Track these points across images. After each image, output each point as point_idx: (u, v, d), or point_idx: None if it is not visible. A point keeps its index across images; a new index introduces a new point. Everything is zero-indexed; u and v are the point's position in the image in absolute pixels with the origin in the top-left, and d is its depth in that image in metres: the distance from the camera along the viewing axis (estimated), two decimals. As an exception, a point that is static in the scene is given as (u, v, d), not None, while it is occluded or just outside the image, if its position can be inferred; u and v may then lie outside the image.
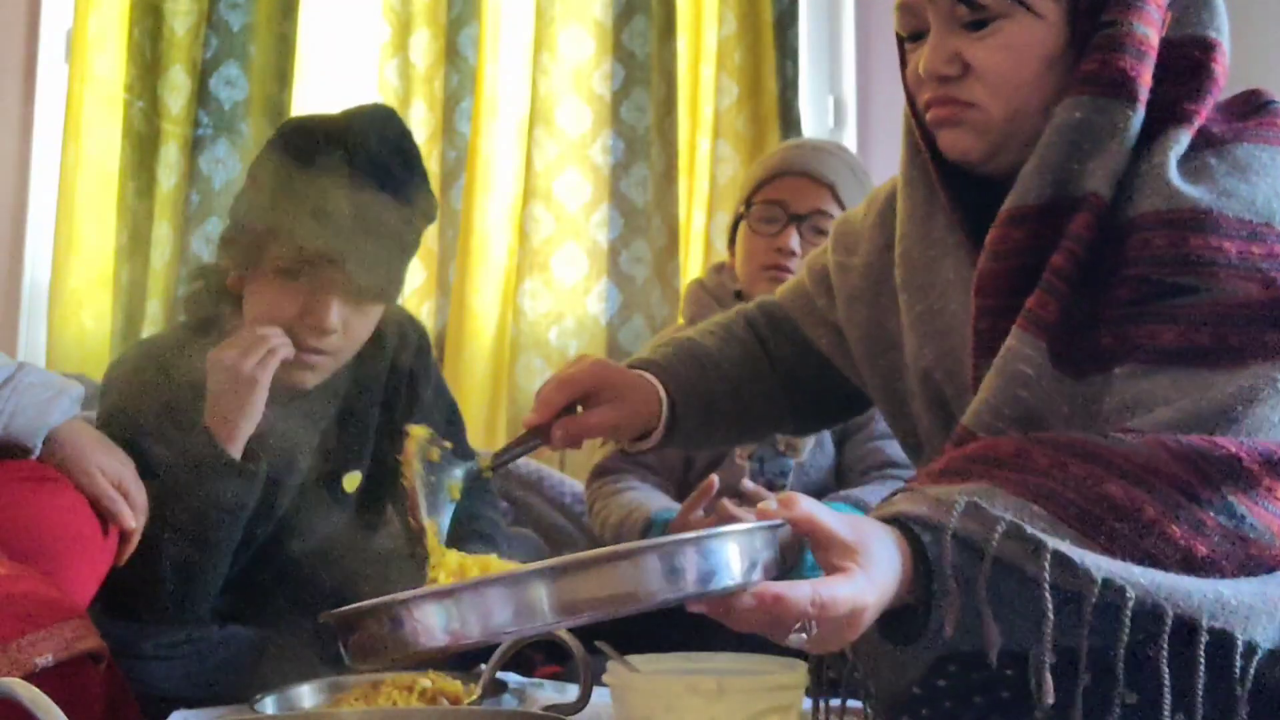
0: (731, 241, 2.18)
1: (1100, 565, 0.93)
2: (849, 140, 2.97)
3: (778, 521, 0.89)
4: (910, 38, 1.20)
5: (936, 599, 0.93)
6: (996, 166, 1.17)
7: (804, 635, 0.88)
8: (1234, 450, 0.96)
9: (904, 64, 1.23)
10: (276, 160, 1.71)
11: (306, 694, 1.53)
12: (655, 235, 2.82)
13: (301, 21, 2.87)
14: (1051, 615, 0.91)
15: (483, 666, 1.46)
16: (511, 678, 1.63)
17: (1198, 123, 1.11)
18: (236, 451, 1.68)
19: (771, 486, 1.98)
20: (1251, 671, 0.94)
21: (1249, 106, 1.16)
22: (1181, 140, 1.09)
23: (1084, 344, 1.06)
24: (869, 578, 0.89)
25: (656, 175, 2.83)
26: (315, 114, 1.82)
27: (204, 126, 2.79)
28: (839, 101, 3.00)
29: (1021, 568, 0.92)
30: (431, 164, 2.80)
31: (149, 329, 2.77)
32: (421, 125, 2.87)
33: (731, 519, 1.83)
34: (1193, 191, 1.06)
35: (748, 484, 1.90)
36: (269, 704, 1.48)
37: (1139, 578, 0.93)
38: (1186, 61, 1.12)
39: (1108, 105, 1.09)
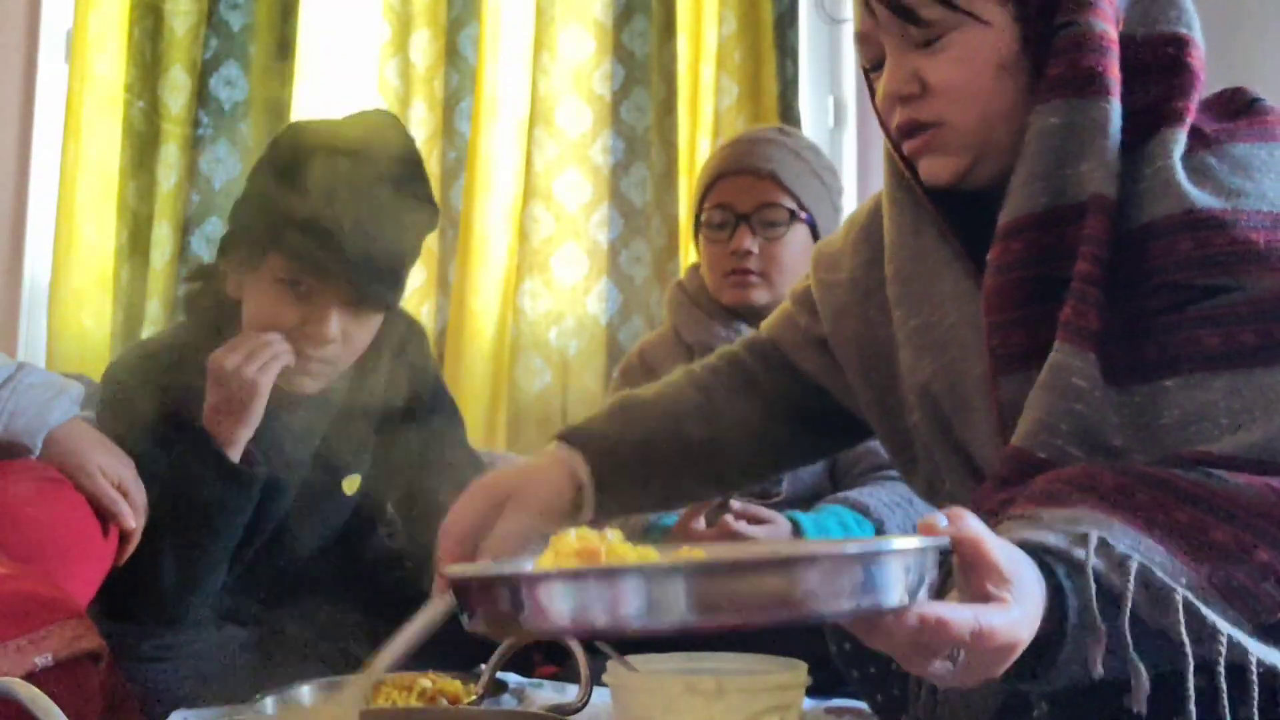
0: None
1: (1220, 622, 0.90)
2: (849, 140, 2.96)
3: (945, 540, 0.81)
4: (873, 68, 1.20)
5: (1073, 637, 0.88)
6: (979, 179, 1.17)
7: (950, 665, 0.82)
8: None
9: (873, 94, 1.23)
10: (278, 166, 1.71)
11: (306, 694, 1.53)
12: (655, 235, 2.82)
13: (301, 21, 2.87)
14: (1192, 660, 0.88)
15: (482, 667, 1.47)
16: (511, 678, 1.63)
17: (1189, 119, 1.10)
18: (235, 455, 1.68)
19: (766, 491, 1.97)
20: None
21: (1236, 105, 1.15)
22: (1180, 139, 1.09)
23: (1124, 356, 1.04)
24: (1024, 611, 0.83)
25: (656, 175, 2.83)
26: (317, 120, 1.81)
27: (204, 126, 2.79)
28: (839, 101, 3.00)
29: (1149, 614, 0.89)
30: (431, 164, 2.80)
31: (149, 329, 2.77)
32: (421, 125, 2.87)
33: (733, 534, 1.82)
34: (1202, 192, 1.05)
35: (736, 504, 1.85)
36: (269, 704, 1.48)
37: (1248, 640, 0.90)
38: (1162, 59, 1.11)
39: (1084, 105, 1.08)
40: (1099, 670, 0.87)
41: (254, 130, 2.83)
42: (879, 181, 1.35)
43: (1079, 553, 0.89)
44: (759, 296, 2.08)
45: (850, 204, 2.39)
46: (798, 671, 1.11)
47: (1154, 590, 0.89)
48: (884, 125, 1.23)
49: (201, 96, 2.80)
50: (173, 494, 1.64)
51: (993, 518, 0.97)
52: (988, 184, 1.16)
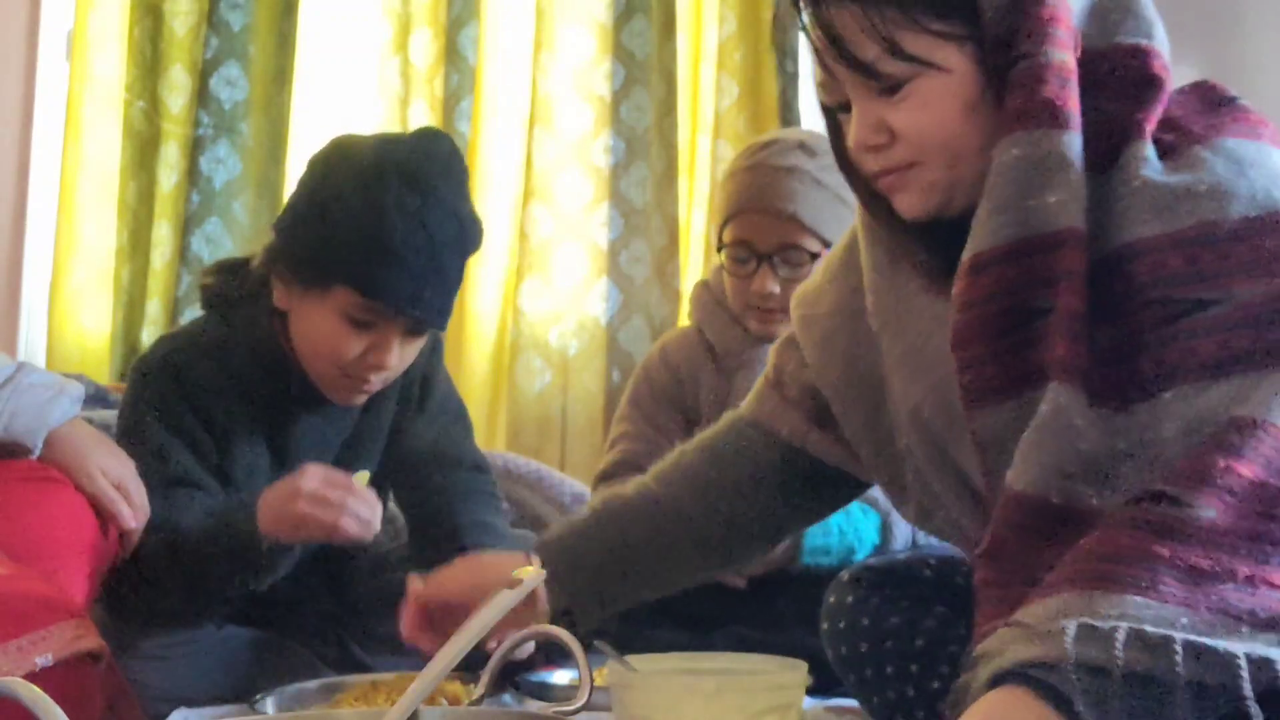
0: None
1: (1234, 645, 0.88)
2: (849, 140, 2.96)
3: None
4: (839, 109, 1.20)
5: None
6: (956, 210, 1.16)
7: None
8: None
9: (831, 131, 1.23)
10: (344, 191, 1.67)
11: (306, 694, 1.54)
12: (655, 235, 2.82)
13: (301, 21, 2.88)
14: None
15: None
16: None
17: (1150, 130, 1.09)
18: (273, 538, 1.63)
19: None
20: None
21: (1211, 101, 1.15)
22: (1147, 154, 1.08)
23: (1119, 376, 1.04)
24: None
25: (656, 175, 2.83)
26: (370, 138, 1.76)
27: (204, 126, 2.79)
28: (839, 101, 3.00)
29: (1151, 672, 0.86)
30: (431, 164, 2.80)
31: (149, 329, 2.77)
32: (421, 125, 2.87)
33: None
34: (1187, 198, 1.04)
35: None
36: (269, 704, 1.48)
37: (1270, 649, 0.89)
38: (1123, 71, 1.11)
39: (1043, 137, 1.07)
40: None
41: (254, 130, 2.84)
42: None
43: (1058, 654, 0.87)
44: (782, 330, 2.06)
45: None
46: (798, 671, 1.11)
47: (1148, 645, 0.87)
48: (846, 166, 1.23)
49: (201, 96, 2.80)
50: (198, 539, 1.63)
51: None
52: (963, 214, 1.15)
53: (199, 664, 1.71)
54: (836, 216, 2.03)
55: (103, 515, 1.49)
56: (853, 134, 1.16)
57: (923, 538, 1.90)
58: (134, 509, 1.52)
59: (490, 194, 2.83)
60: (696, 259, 2.86)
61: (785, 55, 2.84)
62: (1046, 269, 1.06)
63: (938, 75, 1.11)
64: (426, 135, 1.78)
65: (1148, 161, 1.07)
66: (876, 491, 1.91)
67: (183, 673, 1.68)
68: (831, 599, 1.49)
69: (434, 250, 1.66)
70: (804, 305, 1.38)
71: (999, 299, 1.07)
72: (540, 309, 2.81)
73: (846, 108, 1.18)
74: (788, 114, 2.80)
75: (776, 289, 1.99)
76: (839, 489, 1.42)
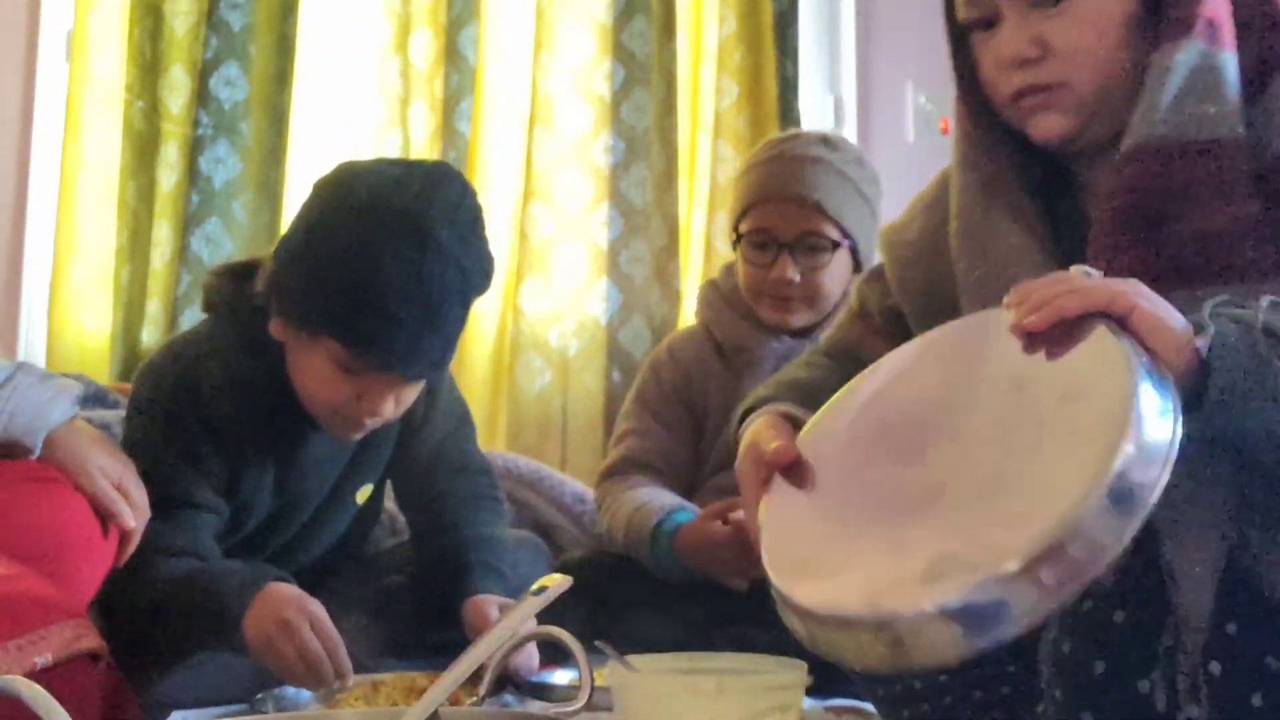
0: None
1: None
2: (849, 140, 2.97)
3: None
4: (979, 24, 1.19)
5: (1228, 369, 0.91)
6: (1088, 139, 1.17)
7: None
8: None
9: (956, 52, 1.23)
10: (337, 237, 1.58)
11: (307, 694, 1.53)
12: (655, 235, 2.82)
13: (301, 21, 2.87)
14: None
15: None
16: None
17: None
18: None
19: None
20: None
21: None
22: None
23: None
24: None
25: (656, 175, 2.83)
26: (376, 178, 1.62)
27: (204, 126, 2.79)
28: (839, 101, 3.01)
29: None
30: (431, 164, 2.80)
31: (149, 329, 2.77)
32: (421, 125, 2.87)
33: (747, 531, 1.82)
34: None
35: None
36: (269, 704, 1.48)
37: None
38: (1263, 15, 1.12)
39: (1205, 51, 1.09)
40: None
41: (254, 130, 2.84)
42: (877, 170, 1.34)
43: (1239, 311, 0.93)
44: (798, 320, 2.07)
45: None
46: (798, 671, 1.11)
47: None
48: (964, 86, 1.22)
49: (201, 96, 2.80)
50: (181, 592, 1.60)
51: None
52: (1092, 144, 1.16)
53: (199, 664, 1.70)
54: (857, 210, 2.05)
55: (103, 515, 1.49)
56: (1003, 47, 1.16)
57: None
58: (134, 509, 1.52)
59: (490, 194, 2.82)
60: (696, 259, 2.86)
61: (785, 55, 2.84)
62: (1190, 175, 1.07)
63: None
64: (433, 176, 1.64)
65: None
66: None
67: (182, 673, 1.68)
68: None
69: (431, 305, 1.56)
70: (890, 234, 1.38)
71: (1140, 194, 1.09)
72: (540, 309, 2.81)
73: (987, 24, 1.17)
74: (788, 114, 2.80)
75: (796, 277, 2.01)
76: None
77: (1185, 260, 1.06)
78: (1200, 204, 1.07)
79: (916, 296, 1.32)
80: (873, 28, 2.96)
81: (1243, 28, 1.11)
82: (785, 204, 2.02)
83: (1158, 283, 1.04)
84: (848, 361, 1.39)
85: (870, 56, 2.97)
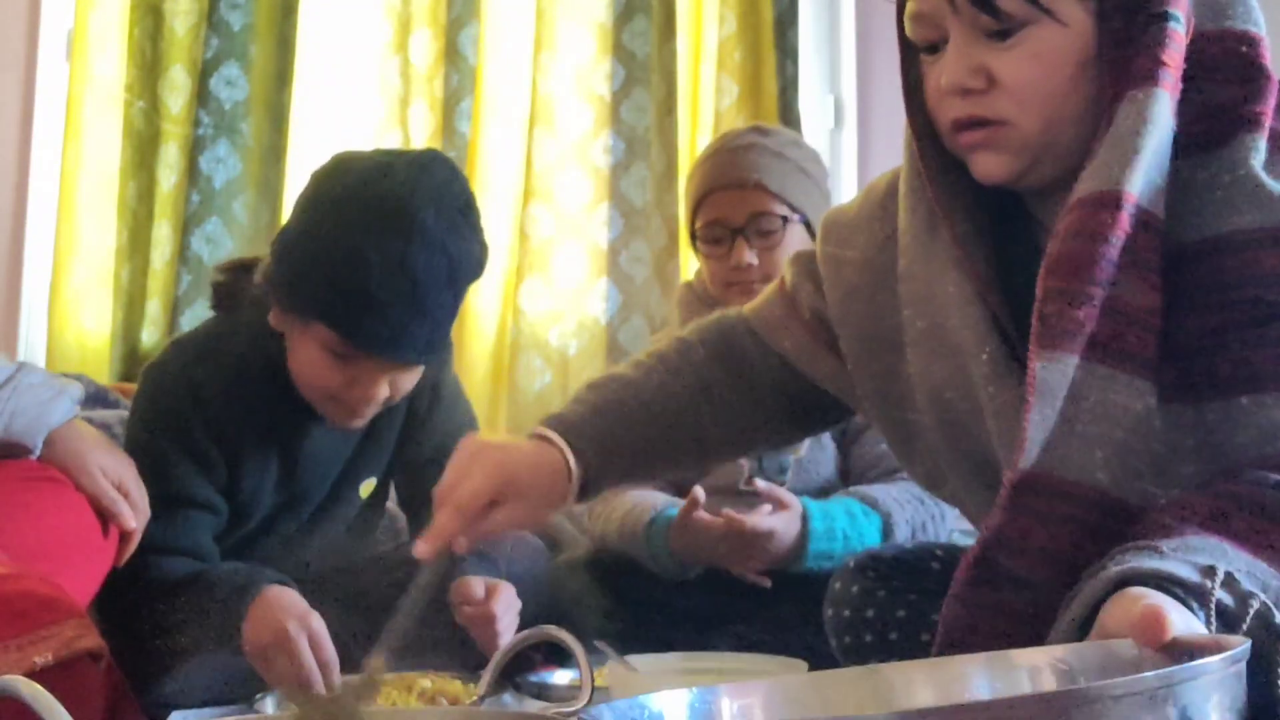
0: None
1: None
2: (849, 140, 2.97)
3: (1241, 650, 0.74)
4: (925, 49, 1.13)
5: None
6: (1032, 181, 1.12)
7: None
8: None
9: (906, 75, 1.17)
10: (329, 220, 1.59)
11: (307, 694, 1.53)
12: (655, 235, 2.82)
13: (301, 21, 2.87)
14: None
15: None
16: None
17: (1268, 125, 1.05)
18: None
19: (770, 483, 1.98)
20: None
21: None
22: (1260, 146, 1.04)
23: (1195, 371, 1.00)
24: None
25: (656, 175, 2.83)
26: (365, 167, 1.62)
27: (204, 126, 2.79)
28: (839, 101, 3.01)
29: (1261, 649, 0.83)
30: (431, 164, 2.80)
31: (149, 329, 2.77)
32: (421, 125, 2.87)
33: (739, 525, 1.82)
34: None
35: (760, 483, 1.90)
36: (269, 704, 1.48)
37: None
38: (1234, 57, 1.06)
39: (1157, 99, 1.02)
40: None
41: (254, 130, 2.84)
42: (877, 172, 1.31)
43: (1206, 586, 0.85)
44: None
45: (843, 199, 2.38)
46: (798, 671, 1.11)
47: (1270, 630, 0.85)
48: (912, 112, 1.17)
49: (201, 96, 2.80)
50: (180, 593, 1.61)
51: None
52: (1038, 185, 1.11)
53: (199, 664, 1.70)
54: (800, 184, 2.09)
55: (103, 515, 1.49)
56: (945, 73, 1.09)
57: (923, 537, 1.91)
58: (134, 509, 1.52)
59: (490, 194, 2.82)
60: (696, 259, 2.85)
61: (785, 55, 2.84)
62: (1132, 241, 1.01)
63: (1055, 27, 1.06)
64: (419, 163, 1.64)
65: (1258, 154, 1.03)
66: (878, 492, 1.92)
67: (182, 673, 1.68)
68: (837, 585, 1.49)
69: (417, 294, 1.56)
70: (833, 240, 1.32)
71: (1079, 242, 1.02)
72: (540, 309, 2.81)
73: (933, 48, 1.12)
74: (788, 114, 2.80)
75: (754, 260, 2.05)
76: (826, 413, 1.39)
77: (1099, 329, 1.01)
78: (1128, 275, 1.01)
79: (856, 338, 1.27)
80: (873, 28, 2.96)
81: (1203, 68, 1.05)
82: (729, 191, 2.08)
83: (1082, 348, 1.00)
84: (751, 343, 1.35)
85: (870, 56, 2.97)
